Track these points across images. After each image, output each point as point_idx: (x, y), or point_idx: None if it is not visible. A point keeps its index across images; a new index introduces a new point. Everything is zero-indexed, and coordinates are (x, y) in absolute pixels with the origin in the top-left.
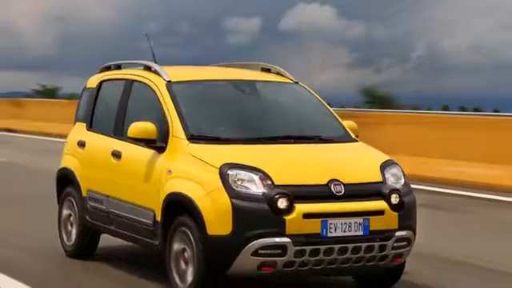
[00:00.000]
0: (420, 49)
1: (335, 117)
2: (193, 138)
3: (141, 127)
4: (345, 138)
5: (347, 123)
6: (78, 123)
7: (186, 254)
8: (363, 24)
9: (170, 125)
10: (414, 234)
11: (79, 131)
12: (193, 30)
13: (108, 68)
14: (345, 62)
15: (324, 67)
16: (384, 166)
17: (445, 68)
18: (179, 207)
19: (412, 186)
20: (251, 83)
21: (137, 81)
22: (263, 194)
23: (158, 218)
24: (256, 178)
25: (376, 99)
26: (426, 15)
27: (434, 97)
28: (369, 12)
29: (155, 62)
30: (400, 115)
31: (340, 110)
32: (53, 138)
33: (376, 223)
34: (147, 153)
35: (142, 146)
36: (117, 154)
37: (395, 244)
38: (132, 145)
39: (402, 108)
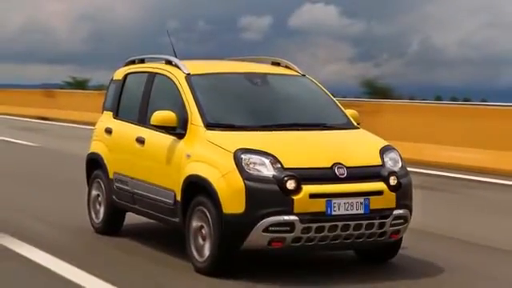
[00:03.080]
0: (415, 44)
1: (338, 106)
2: (209, 126)
3: (163, 115)
4: (347, 125)
5: (349, 112)
6: (105, 112)
7: (203, 231)
8: (364, 22)
9: (188, 113)
10: (411, 212)
11: (106, 119)
12: (210, 28)
13: (132, 62)
14: (347, 57)
15: (328, 61)
16: (383, 151)
17: (438, 62)
18: (197, 188)
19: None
20: (262, 76)
21: (159, 73)
22: (273, 176)
23: (178, 198)
24: (267, 161)
25: (375, 90)
26: (422, 13)
27: (428, 88)
28: (369, 11)
29: (175, 57)
30: (397, 105)
31: (343, 100)
32: (82, 126)
33: (376, 203)
34: (168, 139)
35: (164, 132)
36: (141, 140)
37: (393, 221)
38: (154, 132)
39: (399, 98)
